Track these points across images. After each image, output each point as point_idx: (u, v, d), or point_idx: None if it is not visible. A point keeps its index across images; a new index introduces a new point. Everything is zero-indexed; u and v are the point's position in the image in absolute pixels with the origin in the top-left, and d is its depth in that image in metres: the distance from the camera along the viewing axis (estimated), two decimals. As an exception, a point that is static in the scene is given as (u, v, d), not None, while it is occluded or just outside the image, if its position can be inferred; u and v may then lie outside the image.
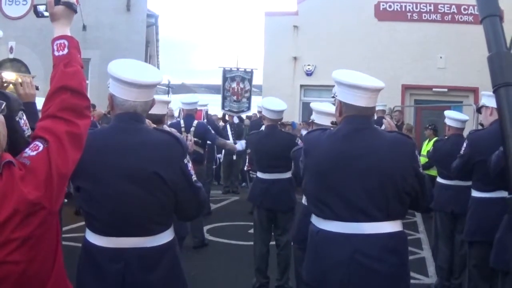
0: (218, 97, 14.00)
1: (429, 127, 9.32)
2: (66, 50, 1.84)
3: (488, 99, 4.16)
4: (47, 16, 1.94)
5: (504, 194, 3.75)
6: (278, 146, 4.97)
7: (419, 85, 13.98)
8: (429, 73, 13.70)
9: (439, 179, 5.53)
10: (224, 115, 13.28)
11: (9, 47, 13.75)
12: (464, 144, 4.42)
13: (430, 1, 13.96)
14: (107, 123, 5.04)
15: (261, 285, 5.18)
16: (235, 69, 13.97)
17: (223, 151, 11.23)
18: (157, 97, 2.59)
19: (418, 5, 14.02)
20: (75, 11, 1.94)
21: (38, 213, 1.59)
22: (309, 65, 14.56)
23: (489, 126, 4.21)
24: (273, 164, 5.08)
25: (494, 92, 2.79)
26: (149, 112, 2.50)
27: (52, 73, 1.83)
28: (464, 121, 5.56)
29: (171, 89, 20.98)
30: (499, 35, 2.81)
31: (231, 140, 11.31)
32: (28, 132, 2.16)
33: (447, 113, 5.71)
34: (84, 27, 13.33)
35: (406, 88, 14.03)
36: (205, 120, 9.26)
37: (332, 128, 2.87)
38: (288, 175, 5.01)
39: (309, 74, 14.62)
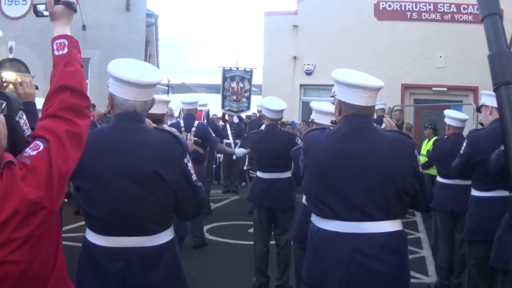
0: (218, 97, 14.00)
1: (429, 126, 9.32)
2: (66, 50, 1.84)
3: (488, 99, 4.15)
4: (46, 16, 1.94)
5: (503, 193, 3.76)
6: (278, 145, 4.97)
7: (419, 84, 13.98)
8: (428, 73, 13.70)
9: (439, 179, 5.53)
10: (223, 114, 13.28)
11: (9, 47, 13.74)
12: (464, 144, 4.42)
13: (430, 0, 13.96)
14: (107, 122, 5.04)
15: (261, 284, 5.18)
16: (235, 68, 13.97)
17: (223, 150, 11.25)
18: (156, 96, 2.59)
19: (418, 4, 14.03)
20: (75, 11, 1.93)
21: (39, 213, 1.59)
22: (308, 64, 14.56)
23: (489, 126, 4.21)
24: (273, 163, 5.08)
25: (494, 90, 2.80)
26: (149, 112, 2.50)
27: (52, 73, 1.83)
28: (464, 121, 5.56)
29: (170, 88, 20.97)
30: (499, 34, 2.81)
31: (231, 140, 11.33)
32: (28, 131, 2.16)
33: (447, 112, 5.71)
34: (83, 27, 13.33)
35: (405, 87, 14.03)
36: (205, 121, 9.26)
37: (331, 128, 2.87)
38: (288, 174, 5.01)
39: (308, 73, 14.62)
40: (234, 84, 13.65)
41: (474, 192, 4.28)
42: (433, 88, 13.82)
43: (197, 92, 22.22)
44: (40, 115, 1.87)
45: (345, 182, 2.51)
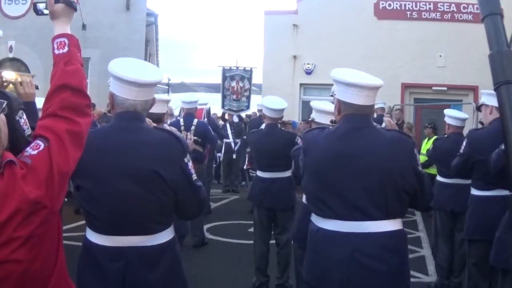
0: (218, 96, 14.00)
1: (429, 125, 9.32)
2: (66, 48, 1.84)
3: (487, 98, 4.16)
4: (46, 14, 1.94)
5: (503, 192, 3.76)
6: (278, 145, 4.96)
7: (419, 83, 13.98)
8: (428, 72, 13.70)
9: (438, 178, 5.53)
10: (223, 114, 13.28)
11: (9, 46, 13.74)
12: (464, 143, 4.43)
13: (430, 0, 13.97)
14: (107, 122, 5.03)
15: (261, 283, 5.18)
16: (235, 68, 13.97)
17: (223, 150, 11.26)
18: (156, 96, 2.59)
19: (418, 3, 14.02)
20: (75, 9, 1.93)
21: (40, 212, 1.59)
22: (308, 63, 14.55)
23: (488, 125, 4.21)
24: (273, 163, 5.07)
25: (495, 90, 2.80)
26: (149, 111, 2.50)
27: (53, 72, 1.83)
28: (463, 120, 5.56)
29: (170, 88, 21.00)
30: (500, 34, 2.81)
31: (231, 139, 11.33)
32: (28, 131, 2.16)
33: (447, 111, 5.72)
34: (83, 26, 13.32)
35: (405, 86, 14.03)
36: (206, 119, 9.26)
37: (331, 127, 2.87)
38: (288, 174, 5.01)
39: (308, 72, 14.62)
40: (234, 84, 13.65)
41: (474, 191, 4.28)
42: (433, 88, 13.82)
43: (197, 92, 22.25)
44: (40, 114, 1.87)
45: (345, 181, 2.51)
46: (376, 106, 10.05)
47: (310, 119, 4.47)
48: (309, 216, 2.78)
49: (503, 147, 3.07)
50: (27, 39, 13.43)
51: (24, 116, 2.19)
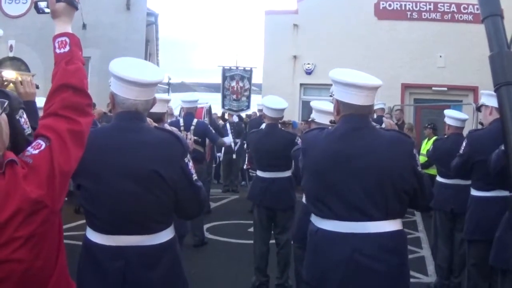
0: (218, 96, 14.02)
1: (429, 126, 9.32)
2: (67, 48, 1.84)
3: (487, 98, 4.16)
4: (47, 13, 1.94)
5: (503, 193, 3.76)
6: (278, 144, 4.96)
7: (419, 84, 13.99)
8: (428, 72, 13.71)
9: (438, 178, 5.53)
10: (223, 113, 13.27)
11: (9, 46, 13.73)
12: (464, 143, 4.43)
13: (430, 0, 13.96)
14: (108, 121, 5.04)
15: (261, 283, 5.18)
16: (235, 68, 13.99)
17: (223, 149, 11.26)
18: (157, 95, 2.59)
19: (418, 4, 14.03)
20: (76, 8, 1.93)
21: (41, 212, 1.59)
22: (309, 63, 14.56)
23: (488, 126, 4.21)
24: (273, 162, 5.07)
25: (495, 91, 2.81)
26: (149, 111, 2.50)
27: (54, 71, 1.83)
28: (463, 120, 5.56)
29: (170, 87, 21.01)
30: (500, 35, 2.82)
31: (231, 139, 11.33)
32: (28, 130, 2.16)
33: (447, 112, 5.72)
34: (84, 26, 13.31)
35: (405, 87, 14.04)
36: (206, 118, 9.26)
37: (330, 127, 2.87)
38: (287, 173, 5.01)
39: (308, 72, 14.62)
40: (234, 83, 13.67)
41: (474, 192, 4.28)
42: (433, 88, 13.83)
43: (197, 91, 22.25)
44: (40, 114, 1.87)
45: (344, 182, 2.51)
46: (376, 107, 10.08)
47: (310, 119, 4.47)
48: (309, 216, 2.77)
49: (503, 147, 3.07)
50: (27, 38, 13.44)
51: (25, 116, 2.19)
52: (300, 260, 3.43)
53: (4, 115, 1.64)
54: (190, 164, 2.40)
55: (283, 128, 5.76)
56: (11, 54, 13.84)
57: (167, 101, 4.47)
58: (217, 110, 13.46)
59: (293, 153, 4.10)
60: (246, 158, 10.49)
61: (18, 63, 13.67)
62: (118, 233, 2.26)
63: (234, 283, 5.49)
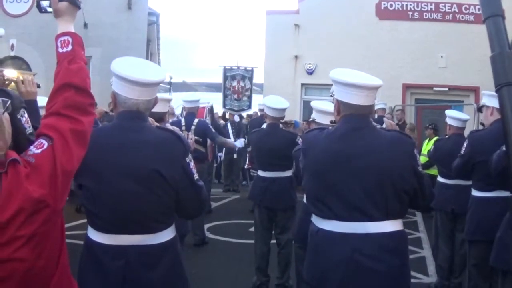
0: (219, 96, 14.02)
1: (430, 126, 9.32)
2: (70, 47, 1.84)
3: (489, 99, 4.16)
4: (50, 12, 1.94)
5: (504, 193, 3.76)
6: (279, 144, 4.97)
7: (420, 84, 13.97)
8: (430, 72, 13.69)
9: (439, 178, 5.53)
10: (224, 113, 13.27)
11: (10, 45, 13.73)
12: (465, 144, 4.43)
13: (431, 0, 13.95)
14: (109, 121, 5.04)
15: (261, 283, 5.18)
16: (236, 67, 13.99)
17: (224, 149, 11.24)
18: (158, 95, 2.59)
19: (419, 4, 14.02)
20: (79, 7, 1.93)
21: (43, 211, 1.59)
22: (310, 63, 14.55)
23: (489, 126, 4.21)
24: (274, 162, 5.08)
25: (496, 91, 2.80)
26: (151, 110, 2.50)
27: (56, 70, 1.83)
28: (465, 121, 5.56)
29: (172, 87, 21.01)
30: (502, 35, 2.82)
31: (232, 139, 11.33)
32: (29, 130, 2.16)
33: (448, 112, 5.72)
34: (85, 25, 13.30)
35: (407, 87, 14.03)
36: (208, 118, 9.25)
37: (330, 128, 2.87)
38: (288, 173, 5.01)
39: (310, 72, 14.61)
40: (235, 83, 13.67)
41: (475, 192, 4.29)
42: (434, 88, 13.81)
43: (198, 91, 22.28)
44: (41, 113, 1.87)
45: (344, 182, 2.51)
46: (377, 107, 10.09)
47: (310, 119, 4.48)
48: (310, 216, 2.77)
49: (504, 148, 3.07)
50: (28, 38, 13.43)
51: (26, 115, 2.19)
52: (301, 260, 3.44)
53: (6, 115, 1.64)
54: (192, 163, 2.40)
55: (284, 128, 5.76)
56: (12, 53, 13.84)
57: (169, 100, 4.48)
58: (218, 109, 13.46)
59: (294, 153, 4.10)
60: (247, 157, 10.49)
61: (19, 62, 13.67)
62: (119, 233, 2.26)
63: (234, 283, 5.49)
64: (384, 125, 3.20)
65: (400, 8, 14.15)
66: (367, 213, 2.46)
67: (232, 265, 6.01)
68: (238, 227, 7.93)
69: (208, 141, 7.01)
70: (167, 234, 2.36)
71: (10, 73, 2.86)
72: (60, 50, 1.85)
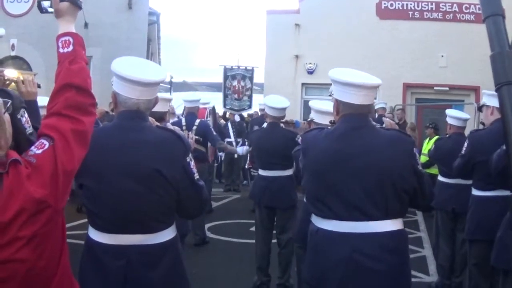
0: (219, 95, 14.02)
1: (430, 125, 9.31)
2: (71, 47, 1.84)
3: (489, 98, 4.16)
4: (51, 12, 1.94)
5: (504, 193, 3.76)
6: (279, 143, 4.97)
7: (420, 83, 13.97)
8: (430, 72, 13.68)
9: (440, 178, 5.53)
10: (225, 113, 13.27)
11: (11, 45, 13.73)
12: (465, 144, 4.43)
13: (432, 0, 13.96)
14: (109, 120, 5.04)
15: (262, 283, 5.18)
16: (236, 67, 13.99)
17: (224, 149, 11.23)
18: (158, 94, 2.59)
19: (420, 3, 14.01)
20: (80, 8, 1.93)
21: (44, 212, 1.59)
22: (310, 63, 14.54)
23: (490, 126, 4.21)
24: (274, 161, 5.08)
25: (496, 91, 2.80)
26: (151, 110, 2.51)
27: (57, 70, 1.83)
28: (465, 120, 5.56)
29: (172, 86, 21.00)
30: (501, 35, 2.82)
31: (232, 138, 11.33)
32: (29, 130, 2.17)
33: (448, 111, 5.72)
34: (85, 25, 13.30)
35: (407, 86, 14.02)
36: (209, 118, 9.24)
37: (329, 127, 2.87)
38: (288, 172, 5.01)
39: (310, 72, 14.61)
40: (235, 83, 13.68)
41: (475, 192, 4.29)
42: (435, 88, 13.80)
43: (199, 91, 22.27)
44: (42, 113, 1.87)
45: (344, 181, 2.51)
46: (377, 106, 10.09)
47: (309, 119, 4.48)
48: (310, 216, 2.78)
49: (504, 147, 3.07)
50: (29, 38, 13.43)
51: (26, 115, 2.20)
52: (302, 260, 3.44)
53: (7, 115, 1.64)
54: (192, 163, 2.41)
55: (283, 127, 5.76)
56: (13, 53, 13.84)
57: (169, 100, 4.48)
58: (219, 109, 13.46)
59: (294, 153, 4.10)
60: (248, 157, 10.49)
61: (20, 62, 13.66)
62: (119, 232, 2.27)
63: (235, 282, 5.50)
64: (384, 125, 3.21)
65: (401, 8, 14.14)
66: (367, 212, 2.46)
67: (232, 265, 6.02)
68: (239, 226, 7.93)
69: (209, 141, 6.99)
70: (167, 234, 2.36)
71: (11, 73, 2.87)
72: (61, 50, 1.85)
